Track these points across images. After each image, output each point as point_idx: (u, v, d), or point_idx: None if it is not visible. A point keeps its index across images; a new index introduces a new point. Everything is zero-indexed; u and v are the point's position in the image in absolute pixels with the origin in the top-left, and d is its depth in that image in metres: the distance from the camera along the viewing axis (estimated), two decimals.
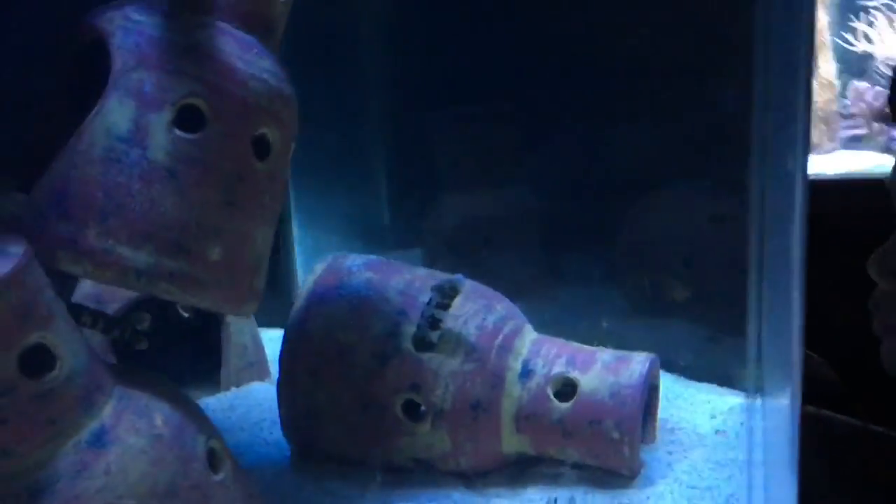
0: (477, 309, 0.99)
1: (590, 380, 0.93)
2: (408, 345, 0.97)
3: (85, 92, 0.84)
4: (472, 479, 0.97)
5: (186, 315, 1.21)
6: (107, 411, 0.72)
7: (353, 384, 0.97)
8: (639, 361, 0.93)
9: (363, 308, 1.00)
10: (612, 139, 1.54)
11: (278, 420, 1.09)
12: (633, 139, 1.53)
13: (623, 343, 1.03)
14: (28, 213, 0.75)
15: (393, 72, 1.70)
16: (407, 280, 1.03)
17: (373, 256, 1.10)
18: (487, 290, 1.04)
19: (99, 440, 0.70)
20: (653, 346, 1.03)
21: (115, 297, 1.15)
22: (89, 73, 0.85)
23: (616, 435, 0.90)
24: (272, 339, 1.33)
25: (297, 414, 1.02)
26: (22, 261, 0.68)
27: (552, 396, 0.93)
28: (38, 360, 0.69)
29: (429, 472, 0.98)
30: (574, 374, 0.94)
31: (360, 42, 1.63)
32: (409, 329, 0.97)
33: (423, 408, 0.95)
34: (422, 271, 1.06)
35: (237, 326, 1.37)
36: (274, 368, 1.40)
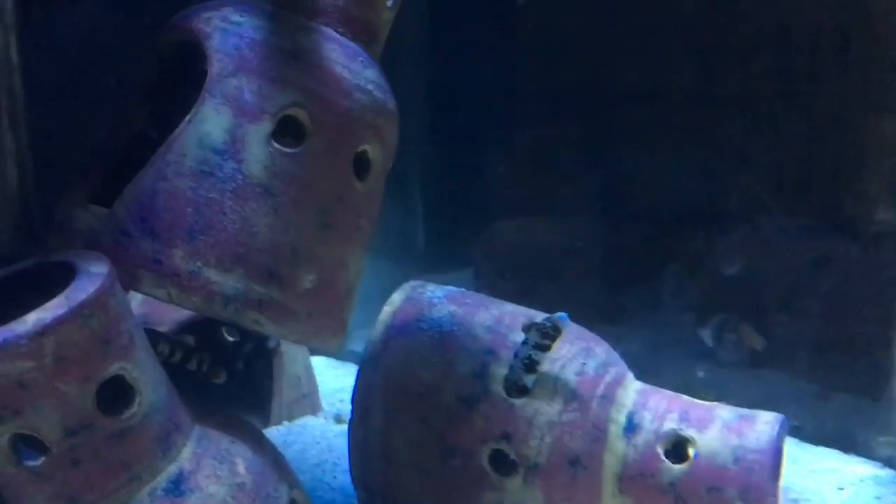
0: (575, 352, 0.94)
1: (709, 440, 0.87)
2: (498, 388, 0.92)
3: (169, 96, 0.81)
4: None
5: (232, 339, 1.17)
6: (185, 454, 0.68)
7: (435, 428, 0.93)
8: (766, 422, 0.87)
9: (447, 344, 0.96)
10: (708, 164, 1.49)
11: (342, 462, 1.05)
12: (726, 166, 1.48)
13: (722, 397, 0.98)
14: (108, 228, 0.71)
15: (439, 83, 1.67)
16: (495, 316, 0.98)
17: (453, 287, 1.05)
18: (584, 332, 0.99)
19: (177, 487, 0.66)
20: (755, 400, 0.97)
21: (164, 319, 1.11)
22: (174, 77, 0.82)
23: None
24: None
25: (370, 458, 0.97)
26: (105, 282, 0.64)
27: (663, 456, 0.88)
28: (114, 394, 0.65)
29: None
30: (689, 433, 0.88)
31: (404, 52, 1.59)
32: (499, 370, 0.92)
33: (514, 459, 0.90)
34: (509, 307, 1.01)
35: (290, 354, 1.33)
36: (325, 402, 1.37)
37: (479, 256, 1.85)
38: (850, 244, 1.28)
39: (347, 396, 1.48)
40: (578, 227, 1.75)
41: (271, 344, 1.27)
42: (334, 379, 1.49)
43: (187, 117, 0.72)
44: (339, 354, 1.62)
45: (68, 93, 0.92)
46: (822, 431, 1.09)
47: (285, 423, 1.27)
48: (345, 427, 1.34)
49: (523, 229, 1.83)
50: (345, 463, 1.11)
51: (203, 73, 0.75)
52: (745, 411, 0.90)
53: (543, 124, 1.66)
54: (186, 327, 1.08)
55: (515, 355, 0.92)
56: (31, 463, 0.63)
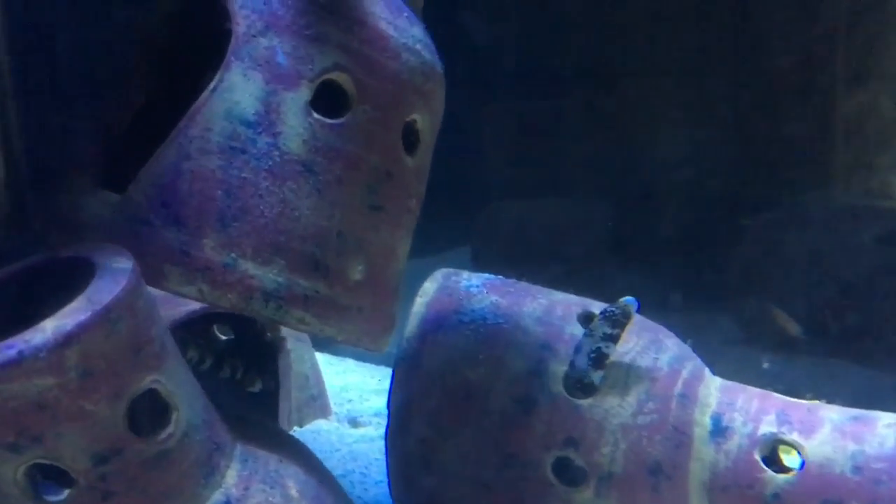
0: (645, 345, 0.91)
1: (819, 446, 0.83)
2: (558, 387, 0.88)
3: (179, 62, 0.76)
4: None
5: (224, 338, 1.13)
6: (231, 478, 0.64)
7: (489, 435, 0.89)
8: (889, 425, 0.84)
9: (495, 339, 0.92)
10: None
11: (371, 473, 1.02)
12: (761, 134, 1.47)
13: (793, 390, 0.95)
14: (123, 216, 0.66)
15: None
16: (544, 306, 0.95)
17: (490, 275, 1.02)
18: (649, 322, 0.96)
19: None
20: (829, 395, 0.95)
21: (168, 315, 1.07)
22: (186, 40, 0.77)
23: None
24: None
25: (413, 470, 0.93)
26: (132, 279, 0.60)
27: (763, 464, 0.84)
28: (148, 412, 0.61)
29: None
30: (792, 437, 0.84)
31: None
32: (558, 368, 0.89)
33: (582, 468, 0.87)
34: (559, 295, 0.97)
35: (297, 353, 1.29)
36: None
37: (477, 237, 1.82)
38: None
39: (354, 396, 1.46)
40: (589, 206, 1.73)
41: (272, 340, 1.23)
42: (334, 376, 1.46)
43: (211, 85, 0.67)
44: (336, 349, 1.59)
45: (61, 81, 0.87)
46: None
47: (296, 429, 1.24)
48: (363, 431, 1.32)
49: (526, 208, 1.81)
50: (375, 473, 1.08)
51: (222, 35, 0.70)
52: (858, 412, 0.86)
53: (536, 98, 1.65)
54: (185, 324, 1.04)
55: (577, 349, 0.88)
56: (52, 498, 0.58)
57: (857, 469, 0.80)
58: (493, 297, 0.95)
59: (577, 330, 0.91)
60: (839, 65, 1.37)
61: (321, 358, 1.49)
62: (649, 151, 1.55)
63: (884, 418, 0.84)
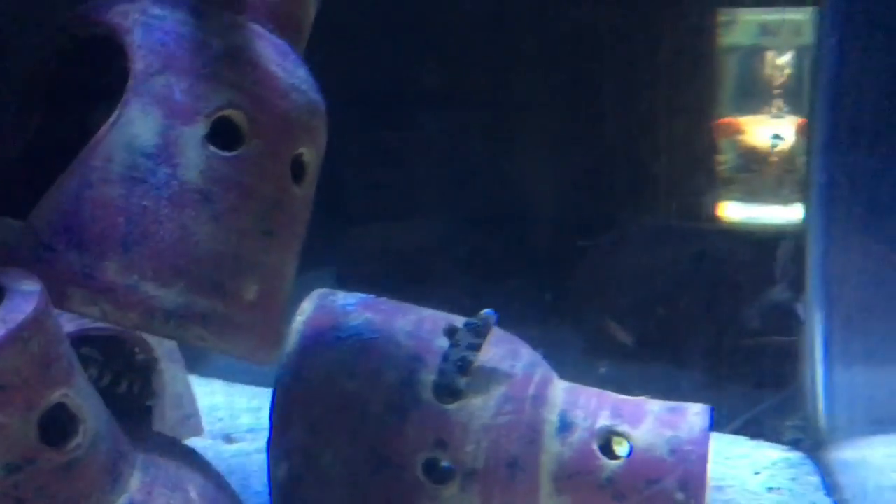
0: (503, 354, 1.00)
1: (644, 434, 0.95)
2: (428, 395, 0.96)
3: (68, 96, 0.80)
4: None
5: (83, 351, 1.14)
6: (134, 484, 0.68)
7: (365, 441, 0.96)
8: (696, 413, 0.97)
9: (370, 353, 0.99)
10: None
11: (251, 484, 1.06)
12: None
13: (625, 390, 1.07)
14: (26, 242, 0.70)
15: None
16: (414, 321, 1.03)
17: (363, 294, 1.09)
18: (505, 333, 1.05)
19: None
20: (653, 392, 1.07)
21: None
22: (72, 75, 0.81)
23: (681, 496, 0.93)
24: None
25: (294, 478, 0.99)
26: (41, 300, 0.63)
27: (599, 453, 0.96)
28: (54, 425, 0.64)
29: None
30: (623, 428, 0.96)
31: None
32: (427, 377, 0.97)
33: (449, 467, 0.95)
34: (426, 311, 1.06)
35: (170, 373, 1.32)
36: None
37: (341, 259, 1.89)
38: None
39: (225, 414, 1.49)
40: (440, 230, 1.83)
41: (145, 360, 1.25)
42: (203, 396, 1.48)
43: (111, 119, 0.71)
44: (203, 370, 1.61)
45: None
46: (729, 420, 1.21)
47: None
48: (238, 446, 1.35)
49: (387, 231, 1.90)
50: (254, 484, 1.13)
51: (101, 72, 0.75)
52: (673, 404, 0.99)
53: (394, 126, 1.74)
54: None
55: (445, 358, 0.96)
56: None
57: (672, 451, 0.93)
58: (368, 314, 1.02)
59: (444, 343, 1.00)
60: (661, 99, 1.53)
61: (189, 379, 1.51)
62: (504, 178, 1.67)
63: (693, 408, 0.97)
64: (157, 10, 0.75)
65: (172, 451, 0.73)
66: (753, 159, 1.53)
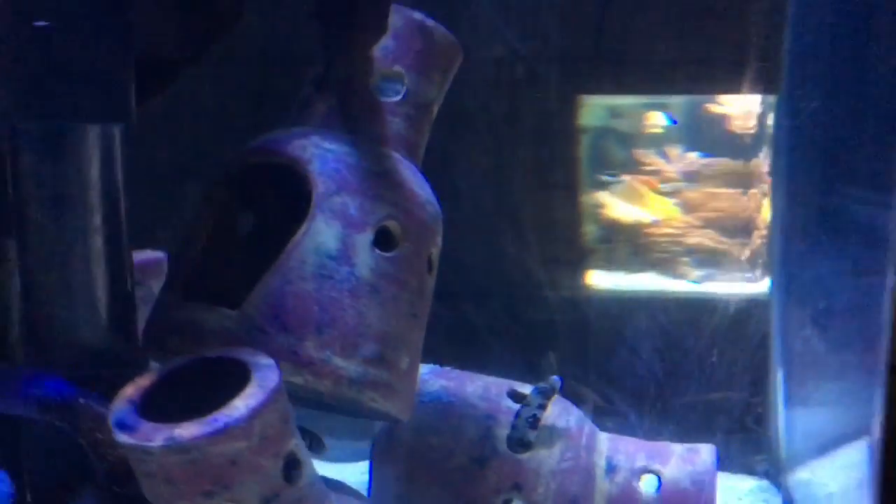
0: (559, 411, 1.22)
1: (670, 470, 1.18)
2: (503, 447, 1.16)
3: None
4: None
5: None
6: None
7: (452, 487, 1.14)
8: (707, 450, 1.20)
9: (450, 413, 1.19)
10: None
11: None
12: None
13: None
14: (243, 326, 0.88)
15: None
16: (482, 386, 1.23)
17: (431, 365, 1.28)
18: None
19: None
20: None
21: None
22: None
23: None
24: None
25: None
26: (279, 371, 0.81)
27: (640, 488, 1.17)
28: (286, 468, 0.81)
29: None
30: (656, 467, 1.19)
31: None
32: (501, 432, 1.17)
33: None
34: (490, 378, 1.26)
35: None
36: None
37: None
38: None
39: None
40: None
41: None
42: None
43: (301, 230, 0.91)
44: None
45: None
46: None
47: None
48: None
49: None
50: None
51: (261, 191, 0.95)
52: (690, 445, 1.22)
53: None
54: None
55: (517, 415, 1.17)
56: None
57: (693, 482, 1.16)
58: (442, 382, 1.22)
59: (510, 403, 1.20)
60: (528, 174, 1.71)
61: None
62: None
63: (704, 447, 1.21)
64: (326, 144, 0.95)
65: (344, 489, 0.91)
66: (615, 231, 1.72)
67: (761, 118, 1.59)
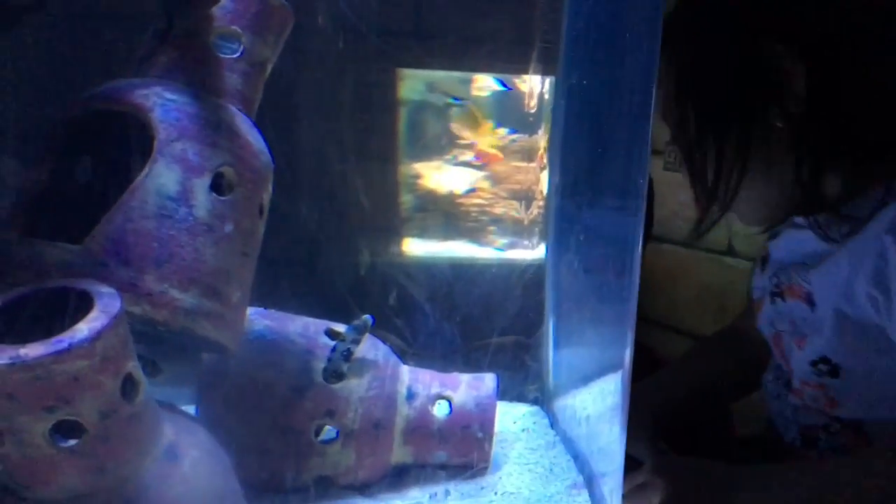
0: (368, 346, 1.34)
1: (459, 396, 1.34)
2: (319, 378, 1.27)
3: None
4: (365, 488, 1.30)
5: None
6: (168, 430, 0.93)
7: (272, 415, 1.24)
8: (490, 379, 1.37)
9: (273, 349, 1.28)
10: None
11: None
12: None
13: None
14: (85, 260, 0.92)
15: None
16: (302, 325, 1.33)
17: (259, 308, 1.36)
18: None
19: (172, 454, 0.91)
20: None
21: None
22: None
23: (480, 434, 1.32)
24: None
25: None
26: (121, 298, 0.87)
27: (433, 412, 1.32)
28: (123, 388, 0.88)
29: (328, 488, 1.28)
30: (447, 393, 1.34)
31: None
32: (318, 364, 1.28)
33: (335, 430, 1.26)
34: (307, 318, 1.36)
35: None
36: None
37: None
38: None
39: None
40: None
41: None
42: None
43: (143, 172, 0.96)
44: None
45: None
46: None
47: None
48: None
49: None
50: None
51: (98, 136, 1.00)
52: (475, 374, 1.39)
53: None
54: None
55: (333, 349, 1.28)
56: (65, 444, 0.83)
57: (477, 406, 1.32)
58: (266, 322, 1.31)
59: (326, 340, 1.31)
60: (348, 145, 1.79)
61: None
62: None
63: (487, 376, 1.38)
64: (169, 95, 1.01)
65: (175, 409, 0.98)
66: (429, 201, 1.79)
67: (542, 97, 1.72)
